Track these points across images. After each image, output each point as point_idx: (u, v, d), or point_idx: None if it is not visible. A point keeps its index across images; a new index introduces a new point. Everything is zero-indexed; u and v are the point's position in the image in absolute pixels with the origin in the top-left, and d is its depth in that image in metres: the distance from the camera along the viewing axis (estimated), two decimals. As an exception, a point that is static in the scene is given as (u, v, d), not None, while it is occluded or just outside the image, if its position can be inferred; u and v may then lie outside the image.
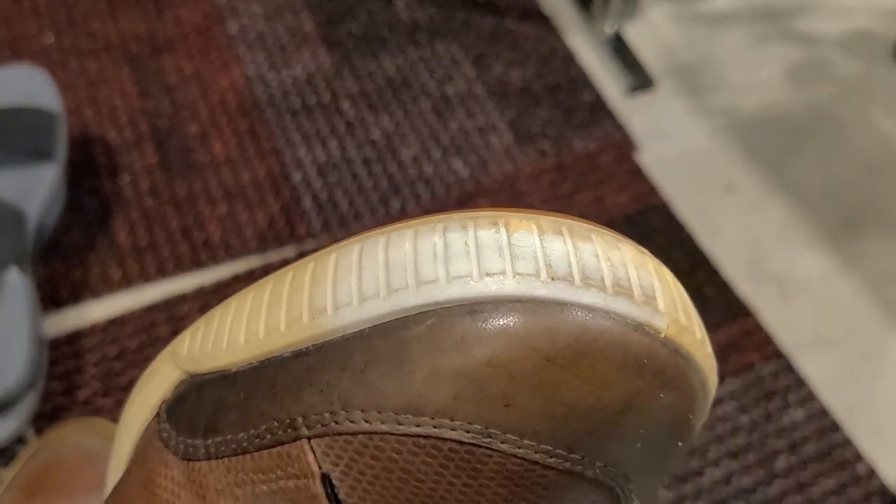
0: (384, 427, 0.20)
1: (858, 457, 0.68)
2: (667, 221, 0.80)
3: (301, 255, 0.72)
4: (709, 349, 0.22)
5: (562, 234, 0.21)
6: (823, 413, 0.70)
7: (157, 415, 0.25)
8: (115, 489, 0.27)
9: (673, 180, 0.82)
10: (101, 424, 0.61)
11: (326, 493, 0.21)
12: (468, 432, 0.20)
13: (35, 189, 0.68)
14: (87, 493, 0.55)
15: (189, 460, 0.23)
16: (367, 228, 0.75)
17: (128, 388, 0.66)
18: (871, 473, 0.67)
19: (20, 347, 0.62)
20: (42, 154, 0.69)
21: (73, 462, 0.57)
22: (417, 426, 0.20)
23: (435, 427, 0.20)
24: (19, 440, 0.64)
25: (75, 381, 0.68)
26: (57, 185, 0.70)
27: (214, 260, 0.74)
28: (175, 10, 0.88)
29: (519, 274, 0.20)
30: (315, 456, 0.21)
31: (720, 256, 0.78)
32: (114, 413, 0.65)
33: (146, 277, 0.73)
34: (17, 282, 0.64)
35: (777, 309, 0.75)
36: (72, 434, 0.60)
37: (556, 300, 0.20)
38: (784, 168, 0.84)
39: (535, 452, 0.20)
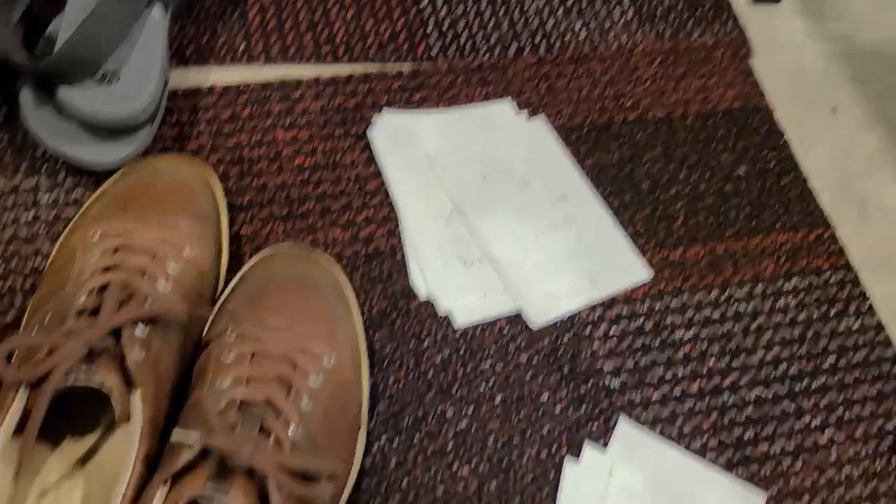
0: None
1: (903, 374, 0.70)
2: (766, 125, 0.82)
3: (415, 74, 0.74)
4: None
5: None
6: (879, 327, 0.72)
7: None
8: None
9: (780, 90, 0.84)
10: (197, 162, 0.64)
11: None
12: None
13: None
14: (176, 215, 0.58)
15: None
16: (480, 64, 0.77)
17: (234, 149, 0.70)
18: (913, 390, 0.70)
19: (151, 78, 0.65)
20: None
21: (165, 186, 0.61)
22: None
23: None
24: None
25: (186, 132, 0.71)
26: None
27: (335, 57, 0.77)
28: None
29: None
30: None
31: (810, 169, 0.80)
32: (217, 169, 0.69)
33: (268, 57, 0.75)
34: (160, 19, 0.67)
35: (855, 228, 0.77)
36: (167, 162, 0.63)
37: None
38: (889, 102, 0.85)
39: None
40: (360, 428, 0.57)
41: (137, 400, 0.50)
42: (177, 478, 0.47)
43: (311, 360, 0.53)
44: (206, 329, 0.57)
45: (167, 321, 0.53)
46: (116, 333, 0.51)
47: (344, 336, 0.57)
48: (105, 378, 0.48)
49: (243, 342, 0.53)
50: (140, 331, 0.51)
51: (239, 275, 0.60)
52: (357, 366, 0.58)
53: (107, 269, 0.54)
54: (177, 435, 0.48)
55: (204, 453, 0.47)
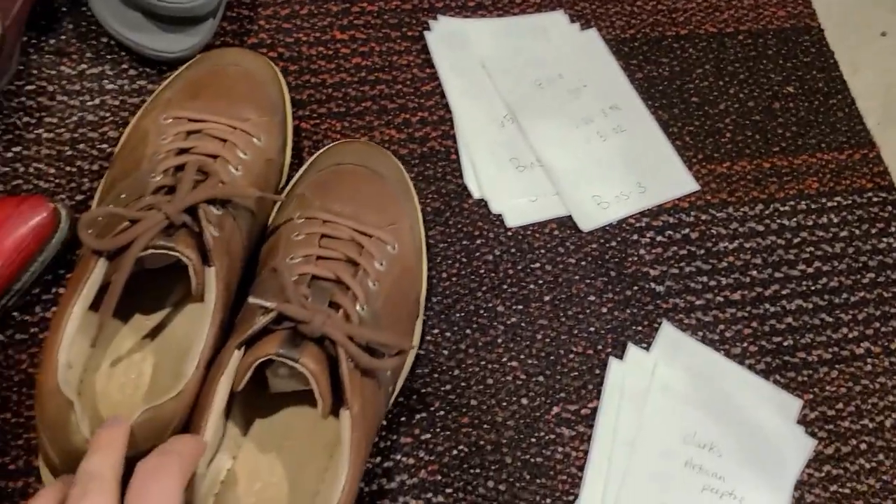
0: None
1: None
2: (816, 45, 0.82)
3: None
4: None
5: None
6: (919, 247, 0.74)
7: None
8: None
9: (831, 12, 0.84)
10: (263, 57, 0.65)
11: None
12: None
13: None
14: (246, 104, 0.59)
15: None
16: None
17: (292, 46, 0.71)
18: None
19: (217, -31, 0.65)
20: None
21: (236, 75, 0.62)
22: None
23: None
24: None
25: (247, 27, 0.72)
26: None
27: (391, -41, 0.77)
28: None
29: None
30: None
31: (858, 91, 0.80)
32: (276, 65, 0.70)
33: (326, -43, 0.76)
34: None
35: (899, 150, 0.78)
36: (235, 53, 0.64)
37: None
38: (940, 28, 0.85)
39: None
40: (418, 316, 0.59)
41: (212, 275, 0.51)
42: (250, 343, 0.49)
43: (377, 246, 0.55)
44: (274, 212, 0.59)
45: (238, 204, 0.55)
46: (191, 212, 0.52)
47: (407, 225, 0.59)
48: (183, 250, 0.50)
49: (312, 225, 0.55)
50: (215, 210, 0.53)
51: (309, 161, 0.62)
52: (419, 254, 0.60)
53: (181, 151, 0.55)
54: (253, 300, 0.50)
55: (277, 321, 0.49)
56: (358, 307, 0.52)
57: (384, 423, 0.59)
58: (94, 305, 0.51)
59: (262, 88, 0.62)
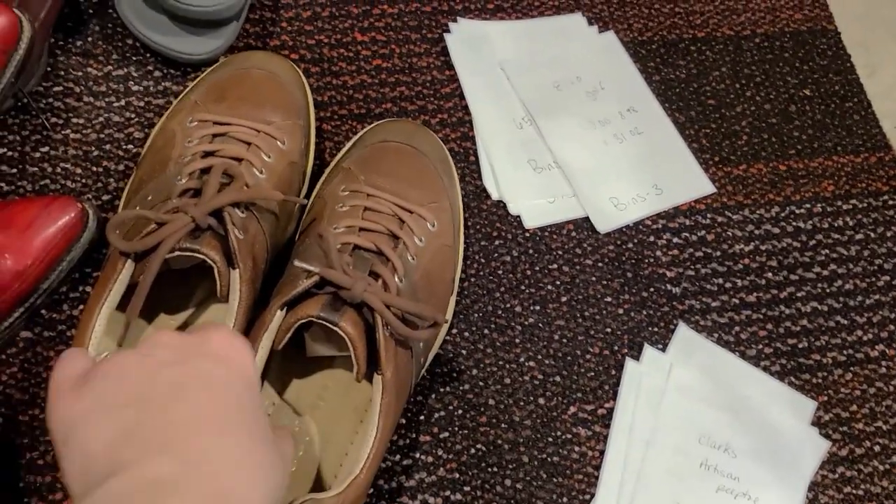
0: None
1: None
2: (833, 48, 0.83)
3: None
4: None
5: None
6: (934, 250, 0.74)
7: None
8: None
9: (848, 14, 0.84)
10: (287, 60, 0.66)
11: None
12: None
13: None
14: (270, 107, 0.60)
15: None
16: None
17: (314, 48, 0.71)
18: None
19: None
20: None
21: (259, 79, 0.63)
22: None
23: None
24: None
25: (269, 29, 0.73)
26: None
27: (412, -39, 0.78)
28: None
29: None
30: None
31: (874, 93, 0.81)
32: (298, 66, 0.70)
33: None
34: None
35: (915, 153, 0.78)
36: (260, 56, 0.65)
37: None
38: (958, 31, 0.85)
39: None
40: (452, 293, 0.61)
41: (237, 277, 0.52)
42: (293, 304, 0.50)
43: (417, 222, 0.57)
44: (319, 183, 0.62)
45: (262, 206, 0.56)
46: (217, 215, 0.53)
47: (447, 203, 0.60)
48: (209, 253, 0.51)
49: (356, 198, 0.57)
50: (239, 213, 0.54)
51: (357, 136, 0.63)
52: (457, 234, 0.61)
53: (206, 154, 0.56)
54: (299, 263, 0.51)
55: (319, 286, 0.50)
56: (396, 279, 0.53)
57: (402, 421, 0.60)
58: (121, 305, 0.52)
59: (286, 91, 0.63)
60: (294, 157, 0.61)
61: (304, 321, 0.50)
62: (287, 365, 0.56)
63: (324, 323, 0.49)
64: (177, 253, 0.51)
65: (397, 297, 0.51)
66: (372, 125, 0.65)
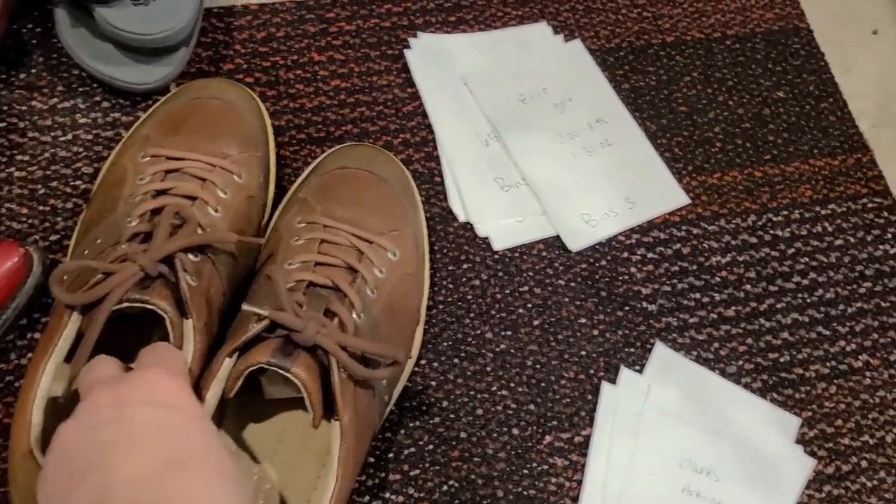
0: None
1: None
2: (806, 47, 0.80)
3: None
4: None
5: None
6: (916, 253, 0.72)
7: None
8: None
9: (820, 11, 0.82)
10: (244, 88, 0.63)
11: None
12: None
13: None
14: (226, 139, 0.58)
15: None
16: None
17: (269, 70, 0.69)
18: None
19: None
20: None
21: (214, 109, 0.60)
22: None
23: None
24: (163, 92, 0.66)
25: (222, 53, 0.70)
26: None
27: (368, -25, 0.75)
28: None
29: None
30: None
31: (850, 92, 0.79)
32: (253, 91, 0.68)
33: (301, -24, 0.74)
34: (195, -64, 0.65)
35: (894, 153, 0.77)
36: (215, 84, 0.62)
37: None
38: (933, 25, 0.83)
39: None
40: (418, 324, 0.59)
41: (189, 327, 0.50)
42: (243, 350, 0.48)
43: (377, 252, 0.55)
44: (276, 214, 0.59)
45: (218, 248, 0.54)
46: (168, 261, 0.51)
47: (410, 230, 0.58)
48: (159, 303, 0.49)
49: (312, 230, 0.54)
50: (192, 258, 0.51)
51: (314, 163, 0.61)
52: (420, 261, 0.59)
53: (158, 193, 0.54)
54: (247, 307, 0.49)
55: (270, 329, 0.48)
56: (354, 315, 0.51)
57: (371, 459, 0.58)
58: (70, 356, 0.49)
59: (243, 122, 0.60)
60: (252, 191, 0.58)
61: (255, 367, 0.47)
62: (243, 410, 0.53)
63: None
64: (125, 304, 0.48)
65: (353, 338, 0.49)
66: (330, 151, 0.62)
